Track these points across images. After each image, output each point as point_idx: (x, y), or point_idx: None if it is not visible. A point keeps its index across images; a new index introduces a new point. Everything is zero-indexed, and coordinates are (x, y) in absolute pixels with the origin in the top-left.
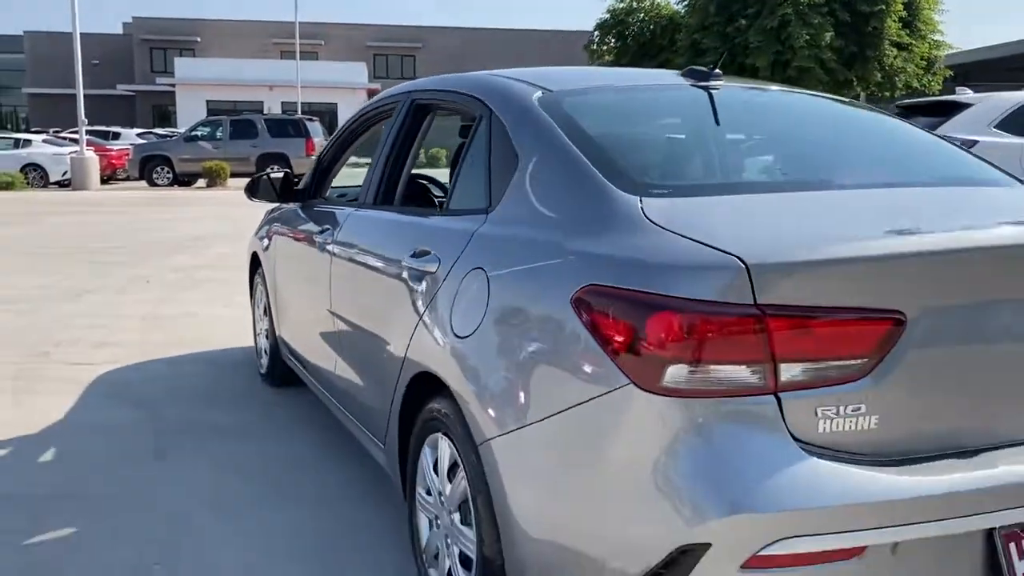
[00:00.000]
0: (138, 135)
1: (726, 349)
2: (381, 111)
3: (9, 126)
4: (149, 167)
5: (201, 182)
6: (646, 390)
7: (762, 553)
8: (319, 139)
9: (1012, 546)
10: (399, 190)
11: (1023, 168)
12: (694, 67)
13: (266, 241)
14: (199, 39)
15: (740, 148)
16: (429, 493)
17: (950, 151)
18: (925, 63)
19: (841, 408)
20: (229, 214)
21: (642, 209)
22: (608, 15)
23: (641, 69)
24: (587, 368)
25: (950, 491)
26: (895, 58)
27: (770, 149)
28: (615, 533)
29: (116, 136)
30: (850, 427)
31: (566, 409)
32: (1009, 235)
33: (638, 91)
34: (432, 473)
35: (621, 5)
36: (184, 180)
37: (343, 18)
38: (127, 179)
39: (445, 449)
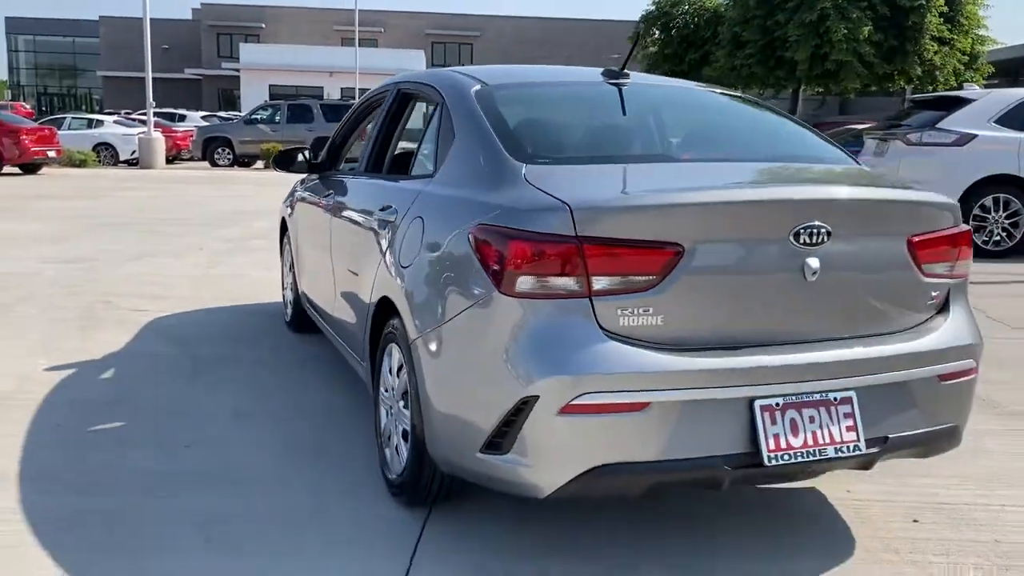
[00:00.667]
0: (202, 118)
1: (556, 266)
2: (378, 97)
3: (84, 107)
4: (211, 148)
5: (259, 163)
6: (505, 294)
7: (573, 403)
8: None
9: (766, 414)
10: (386, 161)
11: (1020, 160)
12: (611, 68)
13: (290, 208)
14: (264, 25)
15: (619, 130)
16: (387, 390)
17: (799, 136)
18: (967, 58)
19: (635, 310)
20: (281, 193)
21: (524, 173)
22: (654, 7)
23: (571, 68)
24: (474, 281)
25: (712, 369)
26: (935, 53)
27: (643, 131)
28: (483, 398)
29: (182, 118)
30: (641, 323)
31: (459, 312)
32: (765, 194)
33: (555, 86)
34: (388, 374)
35: None
36: (244, 161)
37: (404, 6)
38: (191, 159)
39: (395, 354)
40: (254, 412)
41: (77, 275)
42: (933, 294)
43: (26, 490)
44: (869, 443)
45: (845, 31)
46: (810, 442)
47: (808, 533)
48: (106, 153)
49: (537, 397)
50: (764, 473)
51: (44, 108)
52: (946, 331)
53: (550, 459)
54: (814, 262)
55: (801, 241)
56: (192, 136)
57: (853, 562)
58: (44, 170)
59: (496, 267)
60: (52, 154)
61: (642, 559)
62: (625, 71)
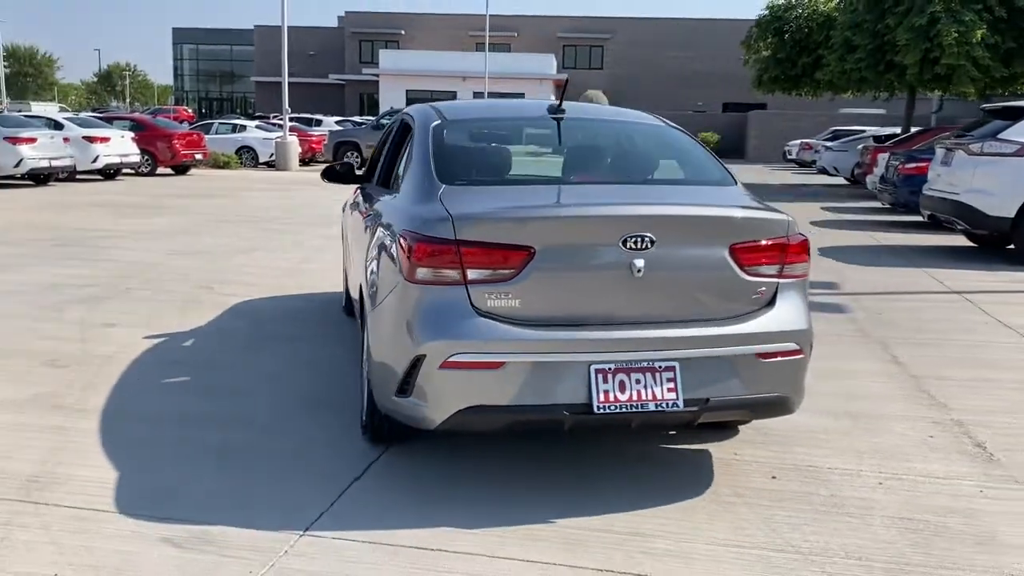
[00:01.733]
0: (336, 122)
1: (442, 261)
2: (393, 122)
3: (239, 111)
4: (341, 151)
5: None
6: (409, 281)
7: (449, 360)
8: None
9: (599, 375)
10: (391, 176)
11: None
12: (554, 104)
13: (344, 213)
14: (403, 32)
15: (533, 157)
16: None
17: (687, 159)
18: None
19: (498, 294)
20: None
21: (440, 192)
22: (767, 11)
23: (528, 102)
24: (396, 271)
25: (553, 339)
26: None
27: (552, 159)
28: (396, 356)
29: (318, 123)
30: (502, 304)
31: (388, 293)
32: (601, 211)
33: (499, 121)
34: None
35: (780, 2)
36: None
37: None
38: (325, 162)
39: None
40: (282, 374)
41: (193, 265)
42: (758, 290)
43: (105, 421)
44: (688, 402)
45: (956, 34)
46: (635, 398)
47: (676, 481)
48: (247, 156)
49: (425, 355)
50: (595, 419)
51: (204, 111)
52: (768, 319)
53: (436, 400)
54: (639, 263)
55: (628, 246)
56: (324, 140)
57: (699, 500)
58: (192, 171)
59: (406, 261)
60: (199, 157)
61: (541, 488)
62: (562, 106)
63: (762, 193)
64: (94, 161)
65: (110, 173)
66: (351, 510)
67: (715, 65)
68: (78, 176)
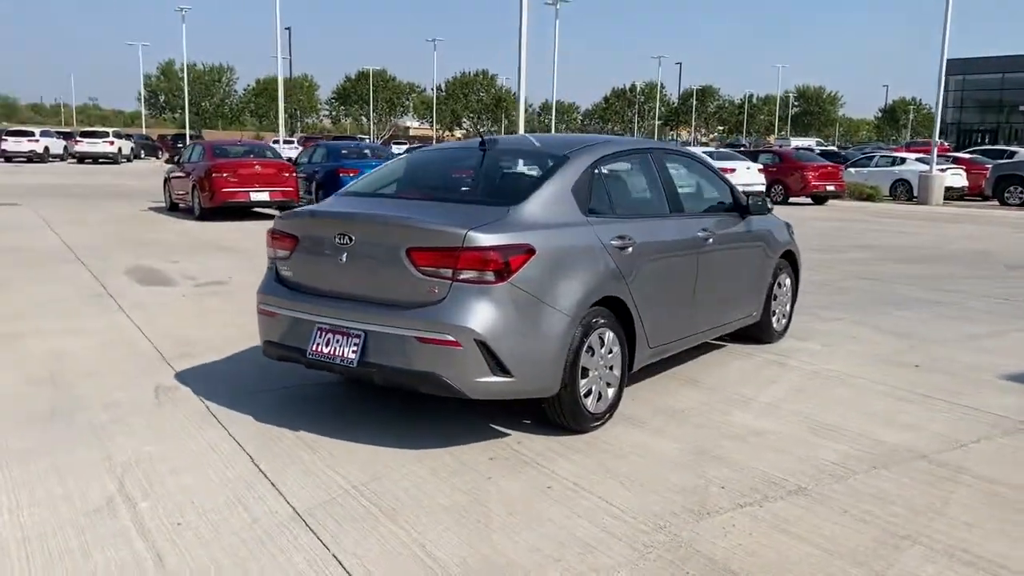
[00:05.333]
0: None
1: (271, 243)
2: None
3: (1002, 141)
4: (1001, 186)
5: None
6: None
7: (260, 308)
8: None
9: (317, 331)
10: None
11: None
12: (486, 137)
13: None
14: None
15: (407, 178)
16: None
17: (507, 183)
18: None
19: (284, 268)
20: None
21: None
22: None
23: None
24: None
25: (298, 302)
26: None
27: (416, 180)
28: None
29: (1011, 155)
30: (286, 275)
31: None
32: (330, 215)
33: (438, 150)
34: None
35: None
36: None
37: None
38: (982, 197)
39: None
40: None
41: None
42: (432, 288)
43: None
44: (362, 364)
45: None
46: (331, 353)
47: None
48: (902, 189)
49: (258, 302)
50: (306, 361)
51: (965, 142)
52: (434, 312)
53: (261, 332)
54: (344, 255)
55: (338, 241)
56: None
57: (570, 439)
58: (831, 202)
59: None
60: (831, 188)
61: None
62: (484, 140)
63: None
64: None
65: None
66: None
67: None
68: None
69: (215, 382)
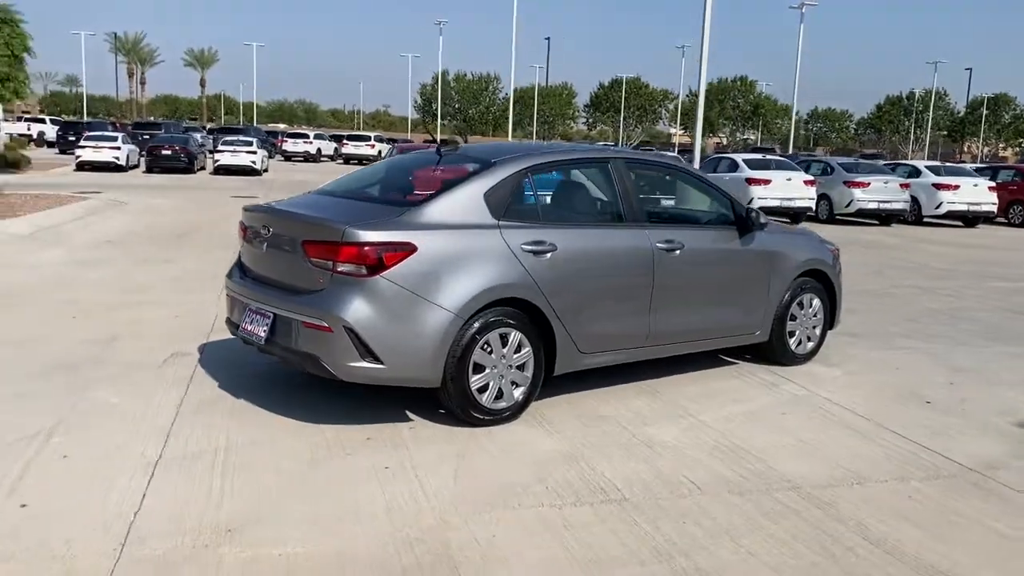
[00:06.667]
0: None
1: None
2: None
3: None
4: None
5: None
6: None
7: (226, 293)
8: None
9: (248, 311)
10: None
11: None
12: (447, 139)
13: None
14: None
15: (378, 180)
16: None
17: (437, 186)
18: None
19: (244, 255)
20: None
21: None
22: None
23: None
24: None
25: (237, 286)
26: None
27: (374, 182)
28: None
29: None
30: (245, 260)
31: None
32: (261, 211)
33: (414, 154)
34: None
35: None
36: None
37: None
38: None
39: None
40: None
41: None
42: (319, 277)
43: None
44: (269, 342)
45: None
46: (252, 331)
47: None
48: None
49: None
50: (237, 335)
51: None
52: (316, 299)
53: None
54: (263, 244)
55: (262, 233)
56: None
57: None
58: None
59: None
60: None
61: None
62: (441, 145)
63: None
64: (937, 207)
65: (968, 219)
66: None
67: None
68: (924, 220)
69: (235, 352)
